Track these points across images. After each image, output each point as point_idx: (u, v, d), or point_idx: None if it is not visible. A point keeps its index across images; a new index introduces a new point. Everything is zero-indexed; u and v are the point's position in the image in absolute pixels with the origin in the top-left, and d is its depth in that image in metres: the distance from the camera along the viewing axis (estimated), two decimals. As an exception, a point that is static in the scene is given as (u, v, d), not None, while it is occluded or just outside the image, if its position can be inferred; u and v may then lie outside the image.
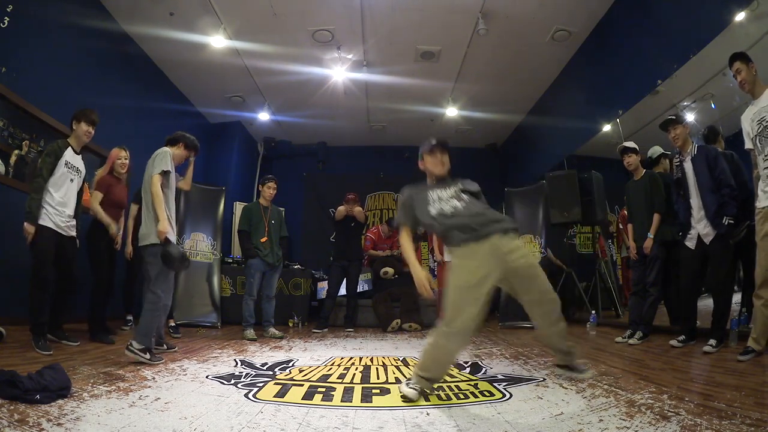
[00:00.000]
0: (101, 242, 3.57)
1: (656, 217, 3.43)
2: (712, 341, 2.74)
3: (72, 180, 3.00)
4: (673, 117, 3.08)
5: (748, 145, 2.64)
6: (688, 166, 3.03)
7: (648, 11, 4.19)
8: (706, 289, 3.15)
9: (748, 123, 2.61)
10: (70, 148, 2.99)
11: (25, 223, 2.77)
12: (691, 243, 3.06)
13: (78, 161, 3.07)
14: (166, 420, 1.54)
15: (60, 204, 2.91)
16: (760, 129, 2.52)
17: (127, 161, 3.79)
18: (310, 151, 8.26)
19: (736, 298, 3.29)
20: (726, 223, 2.78)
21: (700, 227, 2.97)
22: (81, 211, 3.24)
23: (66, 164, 2.94)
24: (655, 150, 3.87)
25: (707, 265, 3.00)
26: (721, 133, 3.26)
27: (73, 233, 3.08)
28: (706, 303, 3.11)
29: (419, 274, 2.16)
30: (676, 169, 3.16)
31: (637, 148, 3.63)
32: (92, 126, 3.04)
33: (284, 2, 4.71)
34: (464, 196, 2.17)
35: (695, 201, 3.00)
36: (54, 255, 2.90)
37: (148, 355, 2.56)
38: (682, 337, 3.07)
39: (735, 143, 2.88)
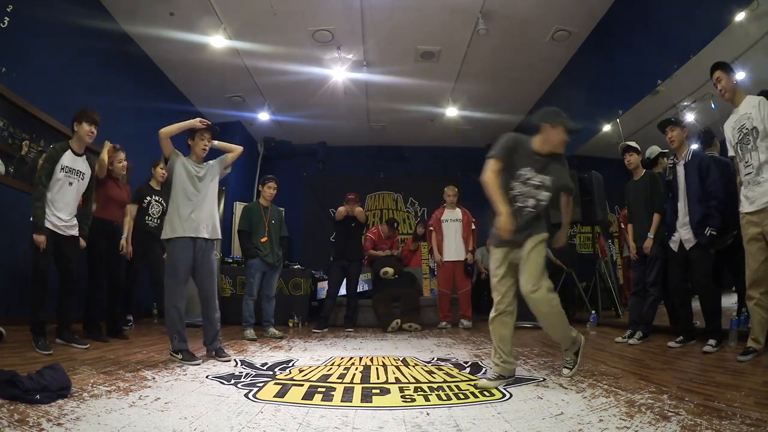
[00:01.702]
0: (100, 243, 3.56)
1: (656, 217, 3.43)
2: (712, 341, 2.75)
3: (70, 184, 2.97)
4: (672, 119, 3.09)
5: (731, 152, 2.70)
6: (681, 170, 3.07)
7: (648, 11, 4.20)
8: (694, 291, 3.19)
9: (729, 131, 2.67)
10: (69, 151, 2.96)
11: (34, 235, 2.77)
12: (674, 245, 3.12)
13: (79, 164, 3.03)
14: (166, 420, 1.54)
15: (54, 206, 2.89)
16: (740, 137, 2.58)
17: (125, 162, 3.81)
18: (310, 151, 8.25)
19: (734, 298, 3.30)
20: (708, 234, 2.81)
21: (683, 232, 3.03)
22: (89, 212, 3.26)
23: (63, 169, 2.91)
24: (654, 150, 3.88)
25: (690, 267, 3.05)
26: (716, 137, 3.28)
27: (74, 232, 3.06)
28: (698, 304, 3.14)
29: (503, 213, 2.19)
30: (669, 171, 3.20)
31: (639, 148, 3.64)
32: (94, 126, 3.02)
33: (284, 2, 4.71)
34: (541, 197, 2.25)
35: (681, 206, 3.05)
36: (53, 254, 2.91)
37: (180, 355, 2.67)
38: (680, 338, 3.08)
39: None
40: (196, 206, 2.81)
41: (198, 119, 2.87)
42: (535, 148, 2.28)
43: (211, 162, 3.00)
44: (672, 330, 3.57)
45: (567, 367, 2.31)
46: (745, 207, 2.57)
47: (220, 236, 2.92)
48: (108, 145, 3.60)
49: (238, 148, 3.09)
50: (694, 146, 3.16)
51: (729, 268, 3.24)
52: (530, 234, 2.23)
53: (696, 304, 3.14)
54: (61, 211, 2.93)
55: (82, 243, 3.21)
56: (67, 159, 2.95)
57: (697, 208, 2.91)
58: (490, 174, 2.25)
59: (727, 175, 2.92)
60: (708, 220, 2.84)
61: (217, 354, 2.85)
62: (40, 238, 2.77)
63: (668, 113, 3.67)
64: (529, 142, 2.29)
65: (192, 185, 2.84)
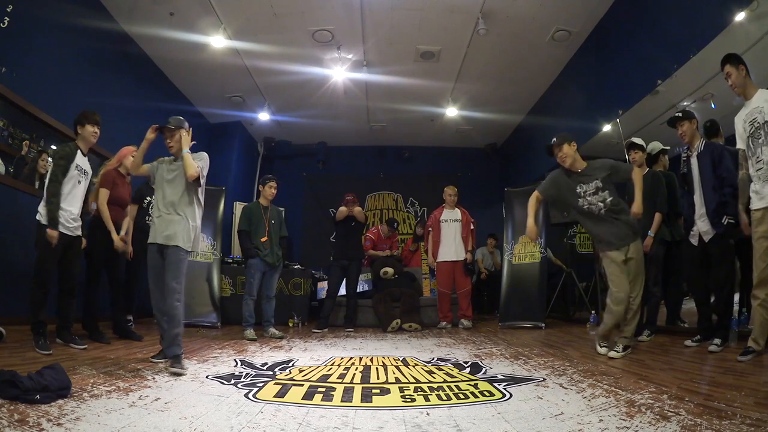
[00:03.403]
0: (100, 242, 3.55)
1: (657, 216, 3.42)
2: (717, 341, 2.73)
3: (79, 182, 3.04)
4: (680, 114, 3.05)
5: (740, 145, 2.64)
6: (694, 162, 3.00)
7: (648, 11, 4.19)
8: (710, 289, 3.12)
9: (740, 124, 2.62)
10: (79, 151, 3.03)
11: (48, 230, 2.80)
12: (694, 240, 3.04)
13: (86, 163, 3.11)
14: (166, 420, 1.54)
15: (69, 205, 2.93)
16: (752, 130, 2.53)
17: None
18: (310, 151, 8.27)
19: (736, 298, 3.28)
20: (725, 222, 2.77)
21: (701, 224, 2.96)
22: (87, 211, 3.25)
23: (76, 167, 2.99)
24: (655, 146, 3.84)
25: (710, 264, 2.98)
26: (721, 128, 3.25)
27: (79, 233, 3.10)
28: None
29: (530, 225, 3.04)
30: (683, 164, 3.14)
31: (644, 146, 3.63)
32: (97, 126, 3.08)
33: (284, 2, 4.71)
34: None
35: (698, 197, 2.97)
36: (60, 255, 2.92)
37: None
38: (697, 337, 3.03)
39: (733, 144, 2.87)
40: (162, 212, 2.65)
41: (150, 128, 2.74)
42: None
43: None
44: (672, 330, 3.57)
45: (616, 351, 2.81)
46: (755, 203, 2.51)
47: (181, 244, 2.58)
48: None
49: (189, 171, 2.63)
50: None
51: (741, 264, 3.18)
52: None
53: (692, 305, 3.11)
54: (73, 207, 2.97)
55: (83, 242, 3.22)
56: (79, 158, 3.02)
57: (713, 197, 2.85)
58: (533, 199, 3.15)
59: (738, 162, 2.89)
60: (724, 208, 2.78)
61: (172, 363, 2.42)
62: (54, 233, 2.81)
63: (668, 113, 3.66)
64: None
65: (160, 190, 2.70)
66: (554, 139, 3.02)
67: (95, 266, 3.57)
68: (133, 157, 3.72)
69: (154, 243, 2.63)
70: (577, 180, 2.96)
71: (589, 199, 2.92)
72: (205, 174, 2.76)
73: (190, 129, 2.81)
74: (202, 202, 2.80)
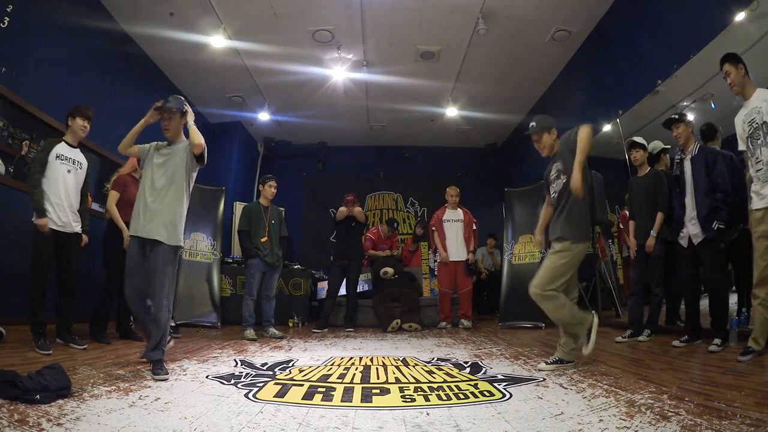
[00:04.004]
0: (117, 244, 3.51)
1: (660, 216, 3.41)
2: (717, 341, 2.73)
3: (69, 171, 3.01)
4: (676, 116, 3.07)
5: (741, 147, 2.64)
6: (687, 165, 3.04)
7: (648, 11, 4.20)
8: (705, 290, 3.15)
9: (740, 125, 2.62)
10: (63, 143, 3.02)
11: (38, 220, 2.81)
12: (683, 241, 3.08)
13: (76, 154, 3.09)
14: (166, 420, 1.54)
15: (57, 197, 2.91)
16: (751, 131, 2.53)
17: None
18: (310, 151, 8.28)
19: (735, 298, 3.28)
20: (716, 227, 2.79)
21: (691, 227, 3.00)
22: (88, 212, 3.24)
23: (58, 157, 2.95)
24: (656, 145, 3.84)
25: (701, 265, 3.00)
26: (719, 131, 3.25)
27: (77, 229, 3.07)
28: (702, 303, 3.11)
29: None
30: (676, 166, 3.17)
31: (646, 145, 3.63)
32: (87, 121, 3.08)
33: (284, 2, 4.71)
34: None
35: (689, 200, 3.01)
36: (54, 253, 2.90)
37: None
38: (684, 337, 3.05)
39: (733, 144, 2.88)
40: (147, 201, 2.42)
41: (151, 111, 2.55)
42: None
43: (180, 145, 2.57)
44: (672, 330, 3.57)
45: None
46: (755, 204, 2.51)
47: (164, 240, 2.39)
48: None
49: (197, 140, 2.48)
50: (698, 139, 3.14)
51: (735, 266, 3.21)
52: None
53: (701, 303, 3.11)
54: (61, 198, 2.92)
55: (85, 239, 3.20)
56: (62, 148, 3.00)
57: (705, 202, 2.87)
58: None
59: (731, 168, 2.89)
60: (715, 213, 2.80)
61: (153, 369, 2.27)
62: (43, 221, 2.80)
63: (668, 113, 3.67)
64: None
65: (149, 175, 2.48)
66: (532, 123, 2.68)
67: (115, 273, 3.47)
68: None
69: (135, 236, 2.42)
70: (550, 166, 2.72)
71: (553, 186, 2.66)
72: (205, 157, 2.60)
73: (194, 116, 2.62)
74: (190, 193, 2.59)
